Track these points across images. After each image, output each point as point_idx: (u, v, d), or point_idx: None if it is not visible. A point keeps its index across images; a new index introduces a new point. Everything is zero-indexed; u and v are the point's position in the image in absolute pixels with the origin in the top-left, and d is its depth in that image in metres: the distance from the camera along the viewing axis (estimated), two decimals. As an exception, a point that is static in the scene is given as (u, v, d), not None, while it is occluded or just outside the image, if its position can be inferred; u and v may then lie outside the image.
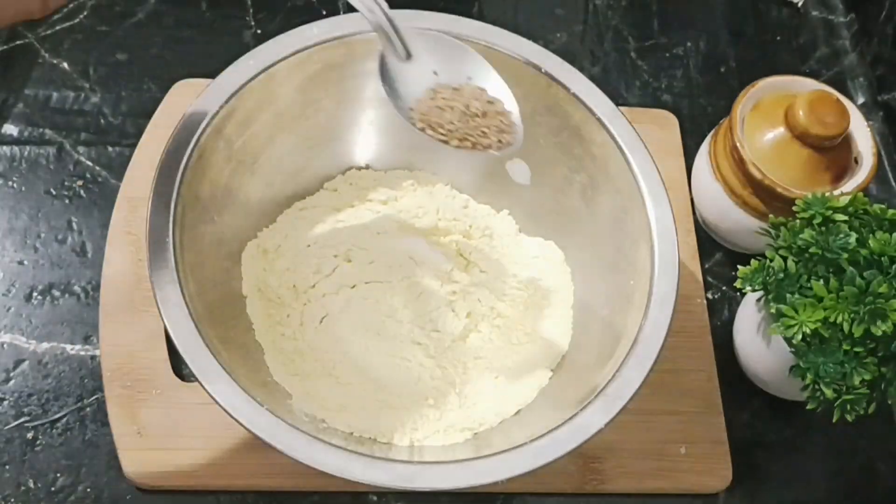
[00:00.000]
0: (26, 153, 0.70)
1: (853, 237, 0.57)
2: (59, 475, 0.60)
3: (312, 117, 0.65)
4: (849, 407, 0.56)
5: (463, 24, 0.63)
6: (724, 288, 0.73)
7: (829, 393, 0.56)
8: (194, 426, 0.60)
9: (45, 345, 0.63)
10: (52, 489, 0.59)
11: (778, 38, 0.88)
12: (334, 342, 0.62)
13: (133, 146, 0.68)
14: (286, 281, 0.63)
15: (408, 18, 0.55)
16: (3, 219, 0.68)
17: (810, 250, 0.58)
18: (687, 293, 0.69)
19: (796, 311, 0.56)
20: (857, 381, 0.55)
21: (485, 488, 0.51)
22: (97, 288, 0.64)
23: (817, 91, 0.67)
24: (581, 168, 0.64)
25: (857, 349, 0.55)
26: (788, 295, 0.58)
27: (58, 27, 0.76)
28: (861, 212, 0.59)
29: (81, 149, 0.71)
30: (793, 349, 0.58)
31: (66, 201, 0.69)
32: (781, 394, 0.67)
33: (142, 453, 0.59)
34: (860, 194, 0.60)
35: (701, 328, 0.69)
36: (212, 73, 0.60)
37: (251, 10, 0.80)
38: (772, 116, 0.68)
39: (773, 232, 0.61)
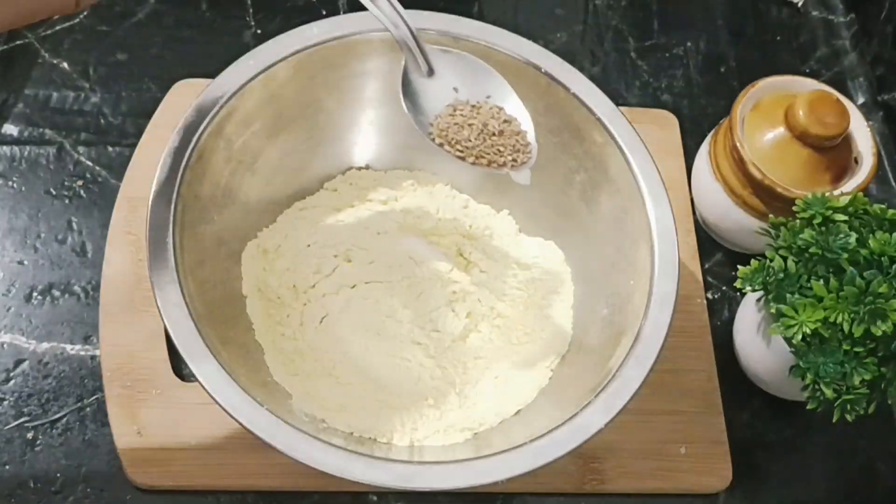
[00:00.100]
0: (26, 153, 0.70)
1: (853, 237, 0.57)
2: (59, 475, 0.60)
3: (312, 117, 0.65)
4: (849, 407, 0.56)
5: (463, 24, 0.63)
6: (724, 288, 0.73)
7: (829, 393, 0.56)
8: (194, 426, 0.60)
9: (45, 345, 0.63)
10: (52, 489, 0.59)
11: (778, 38, 0.88)
12: (334, 342, 0.62)
13: (133, 146, 0.68)
14: (286, 281, 0.63)
15: (408, 18, 0.55)
16: (3, 219, 0.68)
17: (810, 250, 0.58)
18: (687, 293, 0.69)
19: (796, 311, 0.56)
20: (857, 381, 0.55)
21: (485, 488, 0.51)
22: (97, 288, 0.64)
23: (817, 91, 0.67)
24: (581, 168, 0.64)
25: (857, 349, 0.55)
26: (788, 295, 0.58)
27: (58, 27, 0.76)
28: (861, 212, 0.59)
29: (81, 149, 0.71)
30: (793, 349, 0.58)
31: (66, 201, 0.69)
32: (781, 394, 0.67)
33: (142, 453, 0.59)
34: (860, 194, 0.60)
35: (701, 328, 0.69)
36: (212, 73, 0.60)
37: (251, 10, 0.80)
38: (772, 116, 0.68)
39: (773, 232, 0.61)
